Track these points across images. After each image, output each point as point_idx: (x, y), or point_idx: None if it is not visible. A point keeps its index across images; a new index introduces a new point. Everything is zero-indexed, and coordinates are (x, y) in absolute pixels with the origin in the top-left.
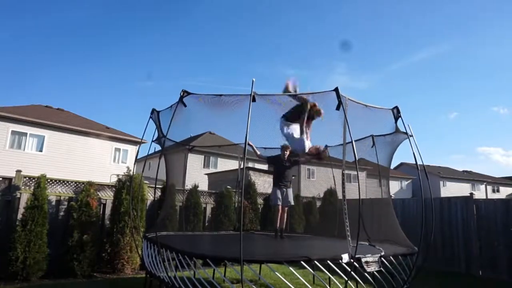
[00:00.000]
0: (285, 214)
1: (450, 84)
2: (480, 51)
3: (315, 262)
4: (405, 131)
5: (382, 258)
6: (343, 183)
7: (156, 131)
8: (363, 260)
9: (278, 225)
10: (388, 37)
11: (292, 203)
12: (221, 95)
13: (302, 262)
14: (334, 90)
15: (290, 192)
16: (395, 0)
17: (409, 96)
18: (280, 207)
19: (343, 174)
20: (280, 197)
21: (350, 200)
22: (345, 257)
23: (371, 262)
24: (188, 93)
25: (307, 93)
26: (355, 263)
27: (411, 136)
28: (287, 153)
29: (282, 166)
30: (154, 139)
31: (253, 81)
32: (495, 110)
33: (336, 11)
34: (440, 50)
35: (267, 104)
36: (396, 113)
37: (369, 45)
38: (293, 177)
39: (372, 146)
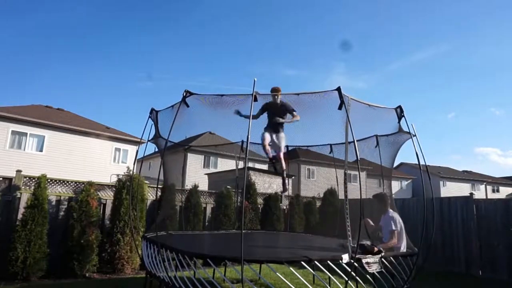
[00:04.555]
0: (283, 161)
1: (448, 85)
2: (478, 52)
3: (315, 262)
4: (408, 131)
5: (383, 259)
6: (345, 183)
7: (153, 130)
8: (364, 261)
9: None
10: (387, 37)
11: (283, 148)
12: (222, 95)
13: (303, 263)
14: (336, 89)
15: (282, 135)
16: (394, 0)
17: (408, 96)
18: (268, 145)
19: (345, 174)
20: (269, 138)
21: (350, 200)
22: (345, 258)
23: (372, 263)
24: (191, 93)
25: (308, 92)
26: (355, 263)
27: (414, 136)
28: (279, 96)
29: (274, 110)
30: (150, 139)
31: (254, 80)
32: (493, 111)
33: (336, 11)
34: (438, 50)
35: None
36: (400, 113)
37: (368, 45)
38: (293, 177)
39: (376, 146)
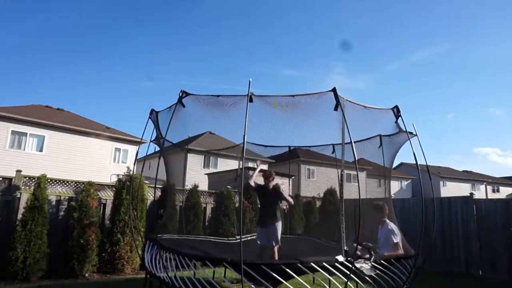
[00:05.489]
0: (275, 255)
1: (448, 85)
2: (478, 52)
3: (312, 264)
4: (405, 129)
5: (381, 261)
6: (341, 184)
7: (155, 131)
8: (358, 265)
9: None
10: (386, 37)
11: (279, 241)
12: (218, 95)
13: (299, 265)
14: (331, 90)
15: (279, 226)
16: (394, 0)
17: (408, 96)
18: (264, 248)
19: (341, 175)
20: (262, 236)
21: (350, 200)
22: (340, 258)
23: (364, 268)
24: (187, 94)
25: (304, 94)
26: (351, 265)
27: (416, 135)
28: (271, 180)
29: (265, 194)
30: (152, 140)
31: (249, 81)
32: (492, 111)
33: (336, 11)
34: (438, 50)
35: (264, 104)
36: (396, 112)
37: (367, 45)
38: (294, 177)
39: (380, 146)
